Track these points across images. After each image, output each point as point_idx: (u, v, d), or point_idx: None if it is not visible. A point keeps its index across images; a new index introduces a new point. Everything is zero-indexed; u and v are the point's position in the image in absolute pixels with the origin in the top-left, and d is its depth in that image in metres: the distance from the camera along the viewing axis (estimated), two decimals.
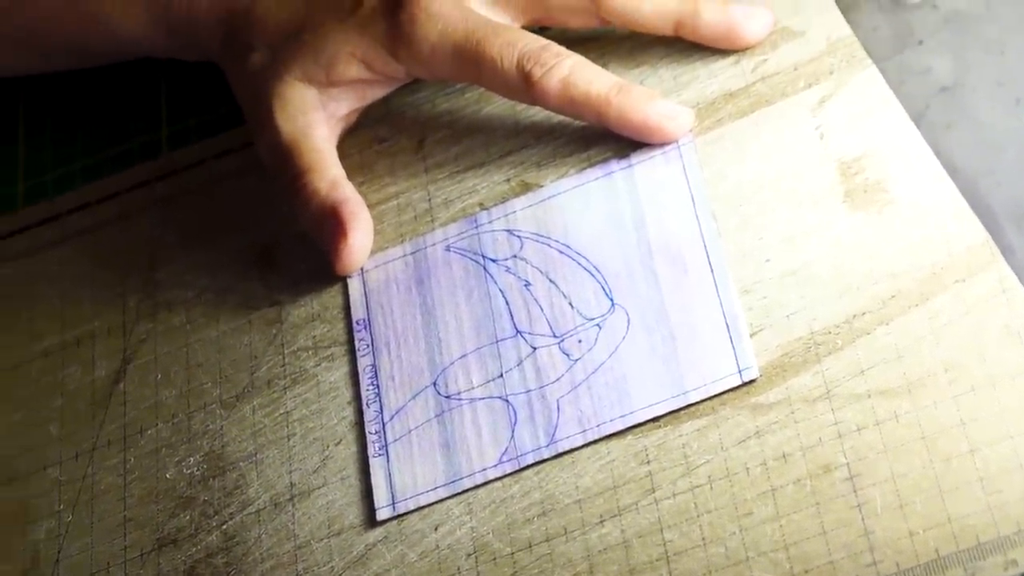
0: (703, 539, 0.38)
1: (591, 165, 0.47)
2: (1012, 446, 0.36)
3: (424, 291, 0.47)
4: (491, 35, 0.46)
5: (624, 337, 0.42)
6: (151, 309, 0.51)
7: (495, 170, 0.49)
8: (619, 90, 0.46)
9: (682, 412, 0.40)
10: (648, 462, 0.40)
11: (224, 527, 0.45)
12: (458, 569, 0.41)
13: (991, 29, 0.41)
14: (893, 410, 0.37)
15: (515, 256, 0.46)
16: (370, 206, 0.49)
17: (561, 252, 0.46)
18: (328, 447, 0.46)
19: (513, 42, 0.46)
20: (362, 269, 0.49)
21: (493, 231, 0.47)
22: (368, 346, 0.46)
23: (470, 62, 0.46)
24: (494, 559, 0.40)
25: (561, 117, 0.48)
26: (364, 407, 0.46)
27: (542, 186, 0.47)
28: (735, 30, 0.48)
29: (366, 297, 0.48)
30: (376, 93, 0.51)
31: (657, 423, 0.40)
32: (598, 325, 0.43)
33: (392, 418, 0.44)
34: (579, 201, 0.46)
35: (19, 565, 0.47)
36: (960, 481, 0.36)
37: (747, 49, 0.48)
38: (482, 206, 0.48)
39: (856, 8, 0.43)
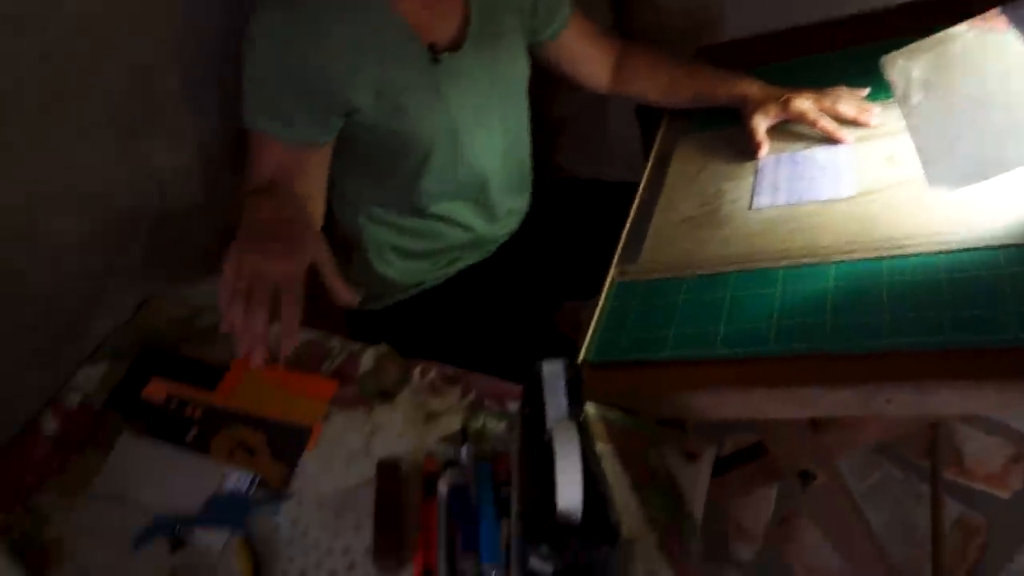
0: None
1: (818, 144, 1.03)
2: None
3: (780, 166, 1.01)
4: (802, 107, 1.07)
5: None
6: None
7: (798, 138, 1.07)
8: (828, 120, 1.03)
9: None
10: None
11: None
12: (781, 227, 0.93)
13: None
14: None
15: (798, 164, 1.02)
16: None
17: (810, 163, 1.01)
18: (741, 191, 1.01)
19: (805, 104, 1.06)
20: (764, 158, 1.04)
21: (794, 162, 1.04)
22: (761, 179, 1.00)
23: (794, 115, 1.06)
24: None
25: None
26: (755, 186, 0.99)
27: (808, 148, 1.04)
28: (862, 116, 1.02)
29: (763, 164, 1.04)
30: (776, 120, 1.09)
31: None
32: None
33: (764, 185, 0.98)
34: (822, 154, 1.02)
35: None
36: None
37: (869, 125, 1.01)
38: (795, 150, 1.04)
39: None
